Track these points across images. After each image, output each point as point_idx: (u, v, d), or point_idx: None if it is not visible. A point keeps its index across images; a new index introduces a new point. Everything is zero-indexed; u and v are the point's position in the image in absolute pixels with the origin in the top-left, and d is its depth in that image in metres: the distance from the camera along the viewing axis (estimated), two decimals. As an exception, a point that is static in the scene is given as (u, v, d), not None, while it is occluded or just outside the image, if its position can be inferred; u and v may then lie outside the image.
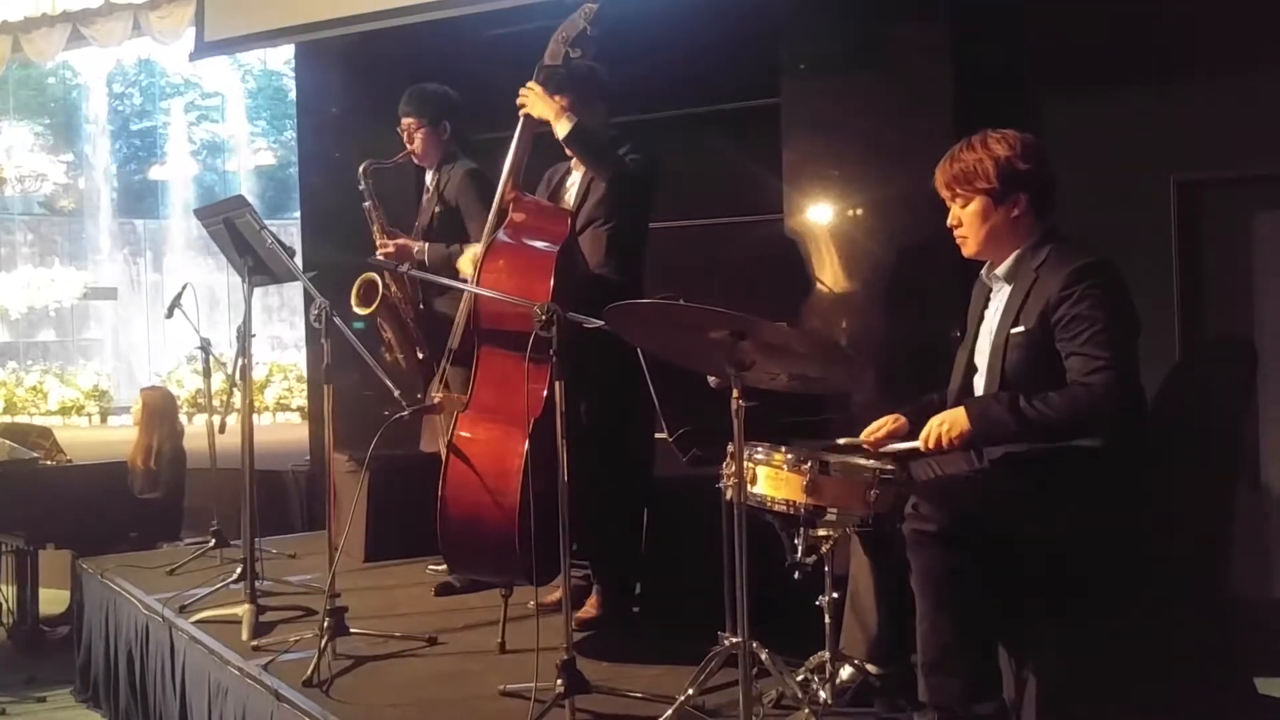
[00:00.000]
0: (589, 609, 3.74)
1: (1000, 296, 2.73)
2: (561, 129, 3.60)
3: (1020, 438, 2.54)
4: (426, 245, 4.34)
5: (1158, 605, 2.62)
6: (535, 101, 3.66)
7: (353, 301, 4.31)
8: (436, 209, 4.41)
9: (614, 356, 3.31)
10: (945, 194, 2.75)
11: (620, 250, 3.77)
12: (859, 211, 4.99)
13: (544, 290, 3.34)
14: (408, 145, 4.47)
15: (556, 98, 3.68)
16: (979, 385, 2.73)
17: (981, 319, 2.80)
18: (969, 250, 2.75)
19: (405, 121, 4.45)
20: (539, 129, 3.75)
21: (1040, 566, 2.59)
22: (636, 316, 2.68)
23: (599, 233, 3.75)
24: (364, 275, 4.31)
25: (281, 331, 21.00)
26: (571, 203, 3.83)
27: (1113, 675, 2.59)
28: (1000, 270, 2.73)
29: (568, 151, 3.76)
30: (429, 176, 4.54)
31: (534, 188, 3.99)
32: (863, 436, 2.80)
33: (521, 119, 3.77)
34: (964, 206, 2.71)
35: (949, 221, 2.76)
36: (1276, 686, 2.85)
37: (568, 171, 3.94)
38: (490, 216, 3.76)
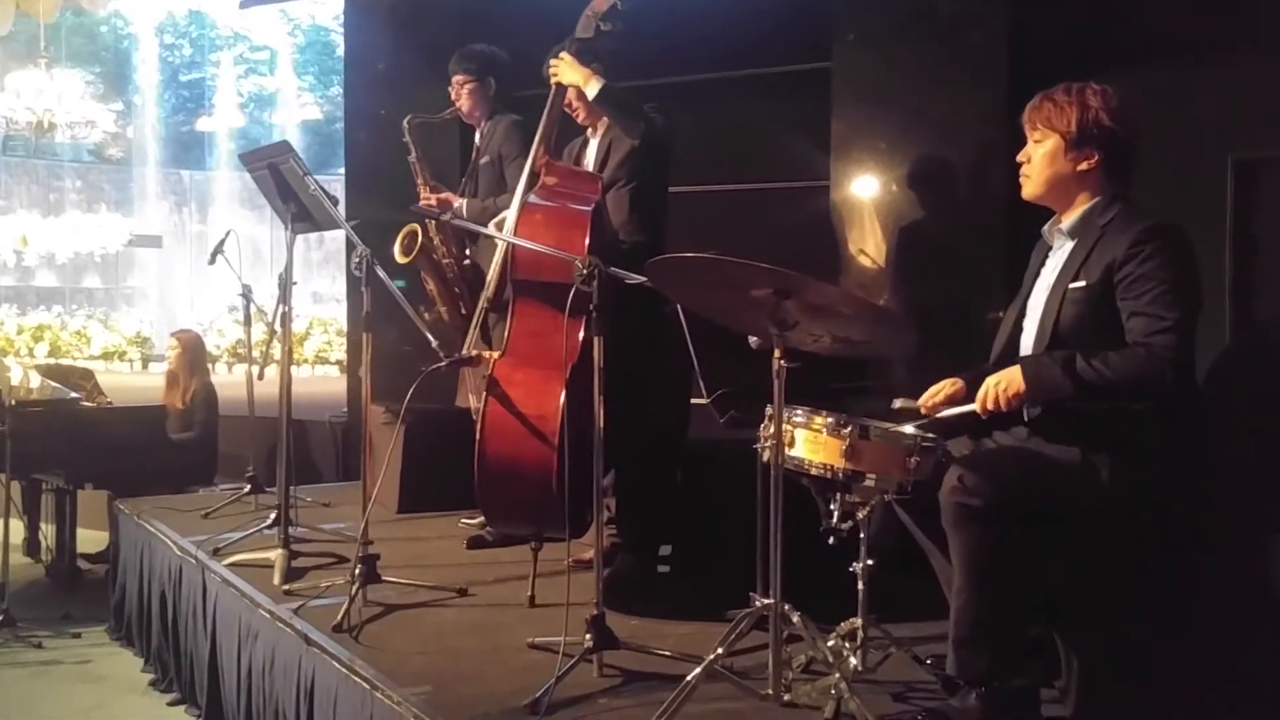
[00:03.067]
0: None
1: (1061, 253, 2.66)
2: (592, 90, 3.69)
3: (1075, 399, 2.45)
4: (465, 200, 4.39)
5: (1202, 585, 2.58)
6: (565, 69, 3.77)
7: (395, 251, 4.34)
8: (482, 162, 4.47)
9: (640, 315, 3.31)
10: (1027, 128, 2.69)
11: (642, 210, 3.82)
12: (906, 184, 4.93)
13: (580, 245, 3.38)
14: (454, 101, 4.53)
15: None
16: (1026, 342, 2.67)
17: (1037, 277, 2.74)
18: (1028, 190, 2.70)
19: (454, 79, 4.53)
20: (568, 99, 3.86)
21: (1083, 542, 2.55)
22: (679, 271, 2.64)
23: (621, 193, 3.82)
24: (407, 226, 4.35)
25: (322, 286, 21.16)
26: (592, 168, 3.89)
27: (1152, 655, 2.55)
28: (1065, 225, 2.66)
29: (589, 117, 3.90)
30: (477, 135, 4.59)
31: (558, 162, 4.04)
32: (921, 401, 2.75)
33: (553, 88, 3.86)
34: (1038, 144, 2.66)
35: (1019, 157, 2.70)
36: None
37: (584, 142, 4.02)
38: (522, 181, 3.85)
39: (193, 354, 6.61)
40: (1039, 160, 2.66)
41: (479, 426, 3.42)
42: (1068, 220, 2.66)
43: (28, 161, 23.76)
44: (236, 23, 25.64)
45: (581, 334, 3.28)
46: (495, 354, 3.57)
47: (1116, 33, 4.64)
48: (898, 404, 2.74)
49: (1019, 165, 2.72)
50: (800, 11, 5.25)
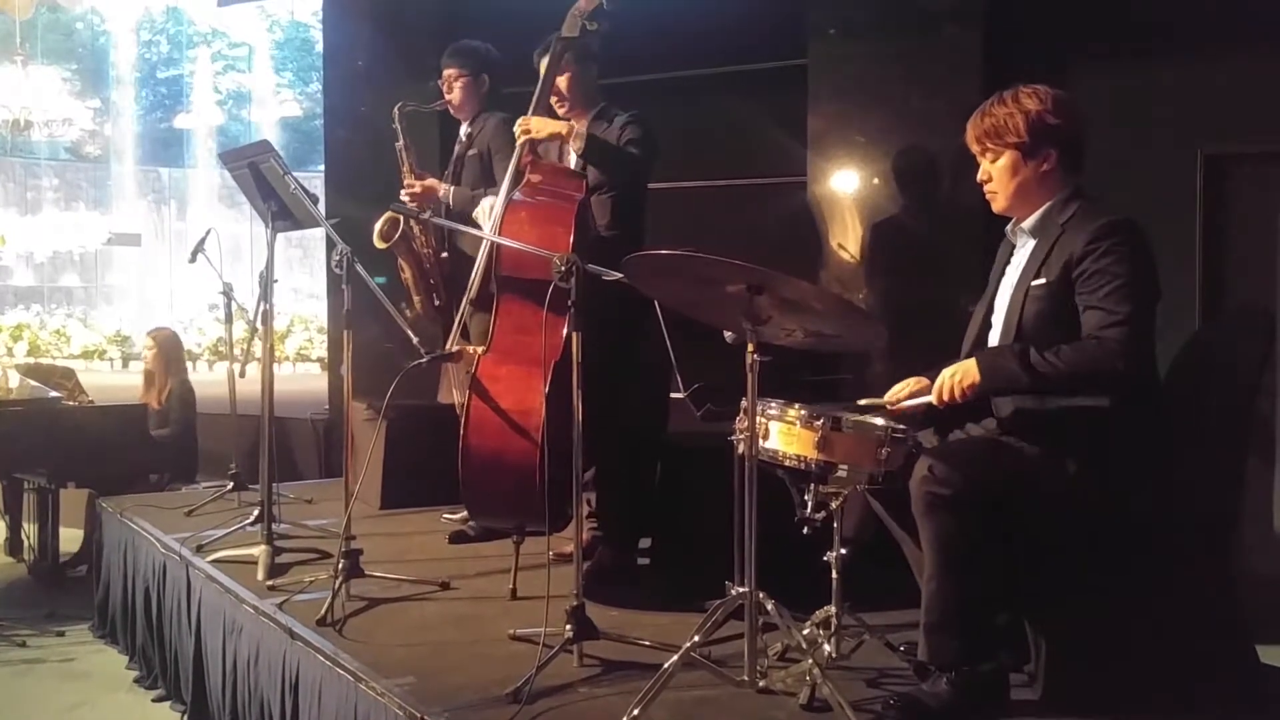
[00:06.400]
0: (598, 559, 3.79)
1: (1024, 251, 2.72)
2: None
3: (1029, 390, 2.52)
4: (452, 188, 4.43)
5: (1165, 572, 2.63)
6: (541, 127, 3.76)
7: (374, 236, 4.37)
8: (469, 154, 4.50)
9: (617, 312, 3.35)
10: (975, 149, 2.73)
11: (624, 216, 3.85)
12: (883, 179, 4.98)
13: (565, 243, 3.42)
14: (446, 95, 4.56)
15: (563, 75, 3.84)
16: (993, 339, 2.72)
17: (1003, 275, 2.79)
18: (998, 205, 2.74)
19: (446, 73, 4.55)
20: (555, 91, 3.89)
21: (1051, 531, 2.60)
22: (655, 268, 2.69)
23: (604, 198, 3.84)
24: (387, 214, 4.38)
25: (303, 283, 21.10)
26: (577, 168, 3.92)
27: (1119, 640, 2.61)
28: (1026, 225, 2.71)
29: (573, 113, 3.90)
30: (463, 128, 4.61)
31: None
32: (886, 398, 2.80)
33: (540, 78, 3.87)
34: (994, 161, 2.70)
35: (979, 177, 2.74)
36: (1274, 655, 2.86)
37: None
38: (507, 179, 3.88)
39: (169, 352, 6.62)
40: (1000, 175, 2.70)
41: (463, 421, 3.46)
42: (1029, 220, 2.71)
43: (4, 159, 23.58)
44: (214, 19, 25.50)
45: (564, 330, 3.32)
46: (478, 349, 3.61)
47: (1089, 27, 4.71)
48: (863, 402, 2.80)
49: (980, 186, 2.76)
50: (777, 8, 5.29)
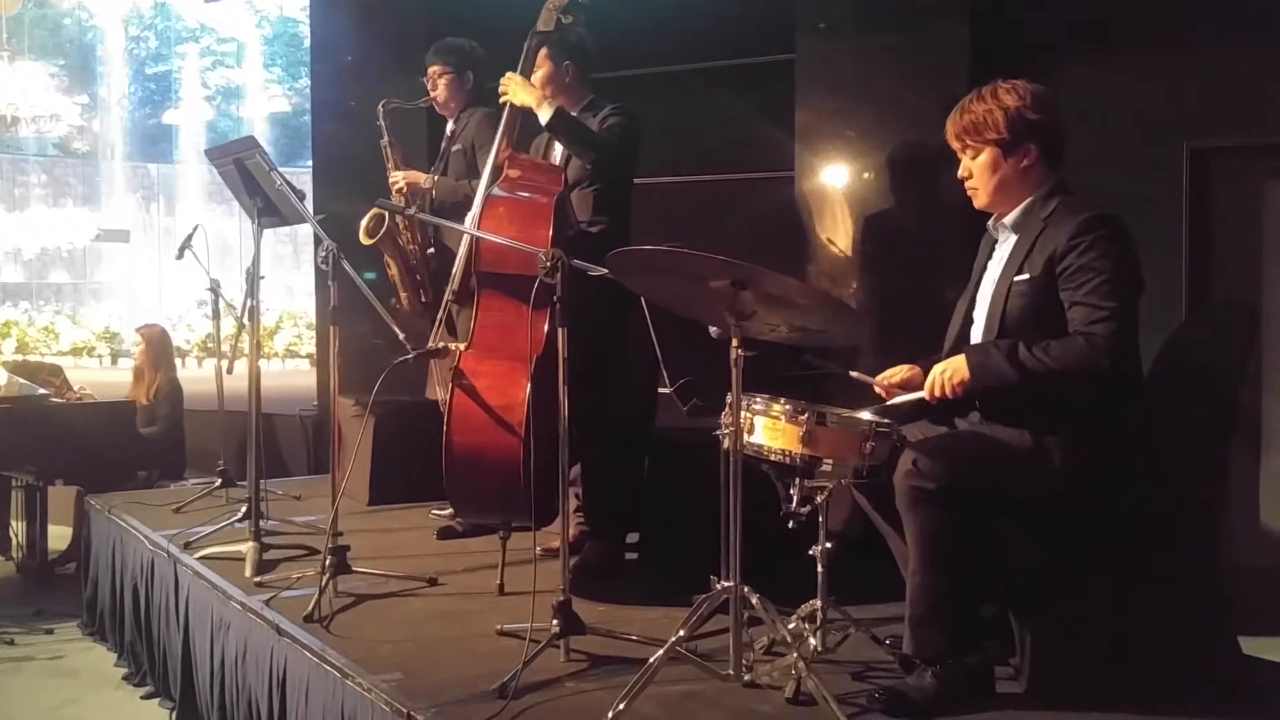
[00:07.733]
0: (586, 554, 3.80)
1: (1005, 246, 2.73)
2: (544, 115, 3.69)
3: (1019, 386, 2.53)
4: (437, 177, 4.45)
5: (1150, 564, 2.64)
6: (516, 90, 3.78)
7: (360, 232, 4.38)
8: (454, 150, 4.52)
9: (603, 307, 3.35)
10: (956, 145, 2.73)
11: (607, 208, 3.85)
12: (872, 173, 4.98)
13: (544, 237, 3.43)
14: (431, 92, 4.58)
15: (539, 69, 3.84)
16: (976, 334, 2.73)
17: (984, 270, 2.80)
18: (979, 202, 2.75)
19: (431, 70, 4.56)
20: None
21: (1035, 524, 2.61)
22: (639, 263, 2.69)
23: (585, 193, 3.84)
24: (373, 210, 4.39)
25: (292, 279, 21.07)
26: (559, 164, 3.92)
27: (1104, 633, 2.62)
28: (1008, 220, 2.72)
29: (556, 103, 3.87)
30: (449, 124, 4.63)
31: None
32: (877, 378, 2.80)
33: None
34: (974, 158, 2.70)
35: (959, 173, 2.75)
36: (1260, 646, 2.88)
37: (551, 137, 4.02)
38: (485, 175, 3.89)
39: (157, 349, 6.61)
40: (981, 172, 2.70)
41: (445, 418, 3.46)
42: (1010, 215, 2.72)
43: (-8, 156, 23.53)
44: (202, 15, 25.43)
45: (546, 325, 3.32)
46: (461, 346, 3.61)
47: (1077, 21, 4.72)
48: (854, 374, 2.80)
49: (962, 182, 2.77)
50: (765, 3, 5.29)
